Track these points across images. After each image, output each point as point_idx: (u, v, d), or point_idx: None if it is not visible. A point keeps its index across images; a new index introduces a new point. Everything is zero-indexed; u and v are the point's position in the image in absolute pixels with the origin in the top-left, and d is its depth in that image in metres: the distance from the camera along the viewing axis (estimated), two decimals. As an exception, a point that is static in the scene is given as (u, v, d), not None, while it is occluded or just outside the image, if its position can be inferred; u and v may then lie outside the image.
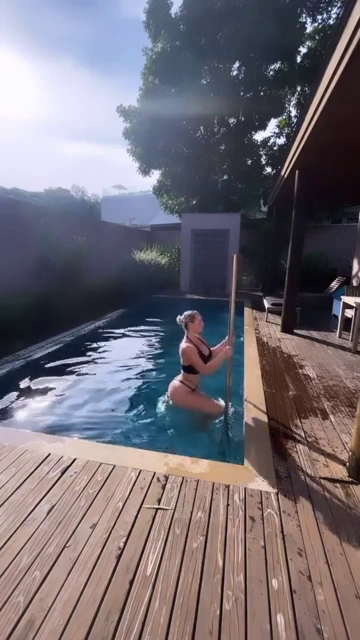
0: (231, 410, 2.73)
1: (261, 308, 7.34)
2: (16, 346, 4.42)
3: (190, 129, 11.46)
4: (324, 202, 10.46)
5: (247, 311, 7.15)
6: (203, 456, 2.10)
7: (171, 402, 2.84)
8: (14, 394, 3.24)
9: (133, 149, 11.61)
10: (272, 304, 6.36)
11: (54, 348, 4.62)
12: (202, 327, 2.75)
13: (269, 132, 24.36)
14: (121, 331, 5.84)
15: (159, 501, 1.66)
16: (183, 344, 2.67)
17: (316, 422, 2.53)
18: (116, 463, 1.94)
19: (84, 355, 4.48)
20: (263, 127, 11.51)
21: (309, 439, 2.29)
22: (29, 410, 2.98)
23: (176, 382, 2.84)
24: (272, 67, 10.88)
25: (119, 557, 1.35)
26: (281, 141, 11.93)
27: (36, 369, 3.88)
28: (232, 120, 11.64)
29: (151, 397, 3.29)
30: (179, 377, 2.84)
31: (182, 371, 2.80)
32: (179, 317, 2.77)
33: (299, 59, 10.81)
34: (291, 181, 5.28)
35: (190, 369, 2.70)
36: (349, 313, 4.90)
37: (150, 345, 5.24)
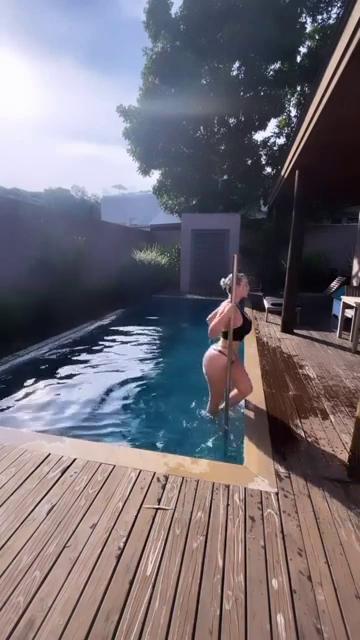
0: (231, 410, 2.73)
1: (261, 308, 7.34)
2: (16, 346, 4.42)
3: (190, 129, 11.46)
4: (324, 202, 10.46)
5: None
6: (203, 456, 2.10)
7: (206, 375, 2.61)
8: (14, 394, 3.24)
9: (133, 149, 11.61)
10: (272, 304, 6.36)
11: (54, 348, 4.62)
12: (247, 292, 2.54)
13: (269, 132, 24.27)
14: (121, 331, 5.84)
15: (159, 501, 1.66)
16: (226, 303, 2.44)
17: (316, 422, 2.53)
18: (116, 463, 1.94)
19: (84, 355, 4.47)
20: (263, 127, 11.50)
21: (309, 439, 2.29)
22: (29, 410, 2.98)
23: (214, 352, 2.53)
24: (272, 67, 10.88)
25: (119, 557, 1.35)
26: (281, 141, 11.93)
27: (36, 369, 3.88)
28: (232, 120, 11.63)
29: (151, 397, 3.30)
30: (217, 346, 2.55)
31: (221, 338, 2.53)
32: (223, 280, 2.54)
33: (299, 59, 10.81)
34: (291, 181, 5.28)
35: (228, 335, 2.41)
36: (349, 313, 4.90)
37: (150, 345, 5.24)
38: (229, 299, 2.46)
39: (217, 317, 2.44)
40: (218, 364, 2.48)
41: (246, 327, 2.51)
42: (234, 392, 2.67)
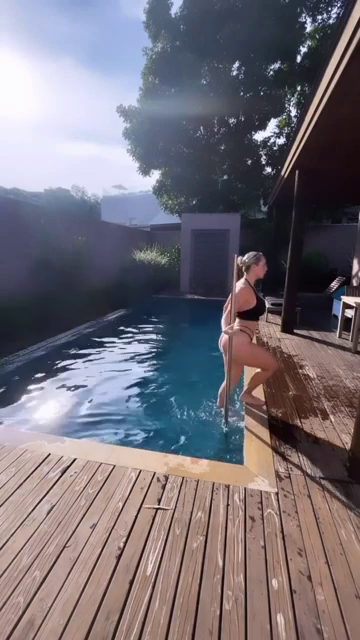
0: (231, 410, 2.73)
1: (261, 308, 7.34)
2: (16, 346, 4.42)
3: (190, 129, 11.46)
4: (324, 202, 10.45)
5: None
6: (203, 456, 2.10)
7: (224, 354, 2.60)
8: (14, 394, 3.24)
9: (133, 149, 11.61)
10: (272, 304, 6.36)
11: (54, 348, 4.62)
12: (264, 272, 2.55)
13: (269, 132, 24.37)
14: (121, 331, 5.84)
15: (159, 501, 1.66)
16: (240, 285, 2.45)
17: (316, 422, 2.53)
18: (116, 463, 1.94)
19: (84, 355, 4.47)
20: (263, 127, 11.51)
21: (309, 439, 2.29)
22: (29, 410, 2.98)
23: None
24: (272, 67, 10.89)
25: (119, 557, 1.35)
26: (281, 141, 11.93)
27: (36, 369, 3.87)
28: (232, 120, 11.64)
29: (151, 397, 3.30)
30: (234, 325, 2.51)
31: (237, 318, 2.53)
32: (241, 257, 2.50)
33: (299, 59, 10.81)
34: (291, 181, 5.28)
35: (245, 314, 2.48)
36: (349, 313, 4.89)
37: (150, 345, 5.24)
38: (243, 279, 2.54)
39: (227, 310, 2.49)
40: (237, 342, 2.49)
41: (260, 307, 2.54)
42: (258, 371, 2.70)
